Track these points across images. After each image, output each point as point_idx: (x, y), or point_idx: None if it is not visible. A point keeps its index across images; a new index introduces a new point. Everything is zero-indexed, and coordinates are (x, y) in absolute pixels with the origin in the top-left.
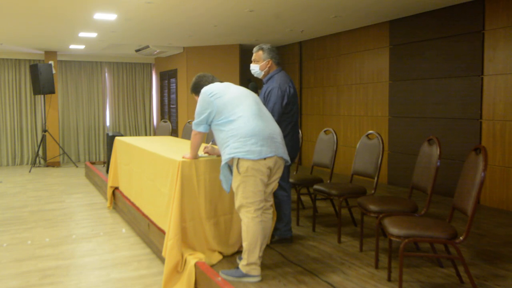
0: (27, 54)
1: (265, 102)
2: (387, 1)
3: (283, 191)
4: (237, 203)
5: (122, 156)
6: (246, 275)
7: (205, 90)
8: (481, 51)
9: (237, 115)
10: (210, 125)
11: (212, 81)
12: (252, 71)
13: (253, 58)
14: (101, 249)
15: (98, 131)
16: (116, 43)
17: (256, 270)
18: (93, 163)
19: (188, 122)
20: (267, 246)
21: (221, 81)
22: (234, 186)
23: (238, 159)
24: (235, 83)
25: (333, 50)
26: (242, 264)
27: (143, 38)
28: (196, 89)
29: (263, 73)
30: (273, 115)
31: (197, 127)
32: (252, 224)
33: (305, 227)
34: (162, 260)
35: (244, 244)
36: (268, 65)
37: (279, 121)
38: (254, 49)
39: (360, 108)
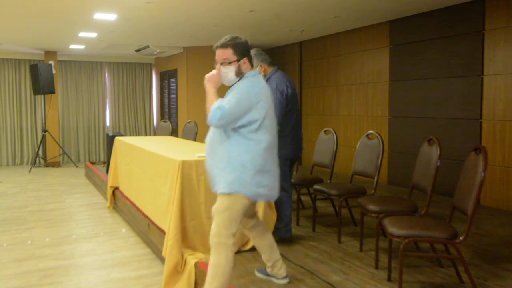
0: (27, 54)
1: None
2: (387, 1)
3: (284, 191)
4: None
5: (122, 156)
6: None
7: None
8: (481, 51)
9: None
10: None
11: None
12: None
13: None
14: (101, 249)
15: (98, 131)
16: (116, 43)
17: None
18: (93, 163)
19: (188, 122)
20: None
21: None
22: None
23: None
24: None
25: (333, 50)
26: None
27: (143, 38)
28: (243, 51)
29: None
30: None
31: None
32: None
33: (305, 227)
34: (162, 260)
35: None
36: (263, 70)
37: (280, 122)
38: None
39: (360, 108)
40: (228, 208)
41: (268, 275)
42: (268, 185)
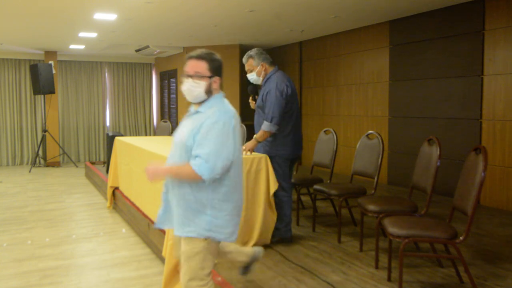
0: (27, 54)
1: (263, 104)
2: (387, 1)
3: (284, 191)
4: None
5: (122, 156)
6: None
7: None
8: (481, 51)
9: None
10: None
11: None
12: (251, 80)
13: (246, 68)
14: (101, 249)
15: (98, 131)
16: (116, 43)
17: None
18: (93, 163)
19: None
20: (267, 246)
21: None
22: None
23: None
24: (235, 83)
25: (333, 50)
26: None
27: (143, 38)
28: (217, 69)
29: (261, 78)
30: (273, 117)
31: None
32: None
33: (305, 227)
34: (162, 260)
35: None
36: (264, 69)
37: (280, 122)
38: (244, 60)
39: (360, 108)
40: (199, 253)
41: (248, 267)
42: (223, 227)
